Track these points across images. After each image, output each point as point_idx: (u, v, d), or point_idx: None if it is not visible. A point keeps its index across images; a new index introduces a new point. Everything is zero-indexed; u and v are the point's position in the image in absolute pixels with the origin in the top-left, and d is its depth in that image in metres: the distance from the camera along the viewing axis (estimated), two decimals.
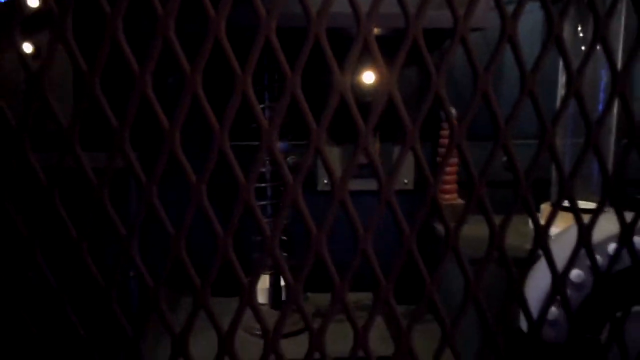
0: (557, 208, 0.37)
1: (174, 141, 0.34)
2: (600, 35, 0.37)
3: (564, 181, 0.37)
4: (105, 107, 0.33)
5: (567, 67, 0.36)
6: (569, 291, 0.82)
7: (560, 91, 0.97)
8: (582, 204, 0.93)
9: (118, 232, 0.35)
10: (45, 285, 0.37)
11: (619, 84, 0.38)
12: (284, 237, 1.11)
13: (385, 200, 0.35)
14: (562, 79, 0.98)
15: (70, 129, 0.34)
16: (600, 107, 0.98)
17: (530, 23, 0.90)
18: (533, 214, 0.38)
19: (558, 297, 0.72)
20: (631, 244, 0.39)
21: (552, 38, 0.35)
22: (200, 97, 0.33)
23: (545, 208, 1.01)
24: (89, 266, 0.36)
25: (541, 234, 0.37)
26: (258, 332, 1.01)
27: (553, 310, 0.93)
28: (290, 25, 0.40)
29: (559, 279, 0.38)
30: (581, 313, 0.78)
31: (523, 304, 0.37)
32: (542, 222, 0.87)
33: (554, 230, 0.95)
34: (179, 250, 0.35)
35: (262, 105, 0.91)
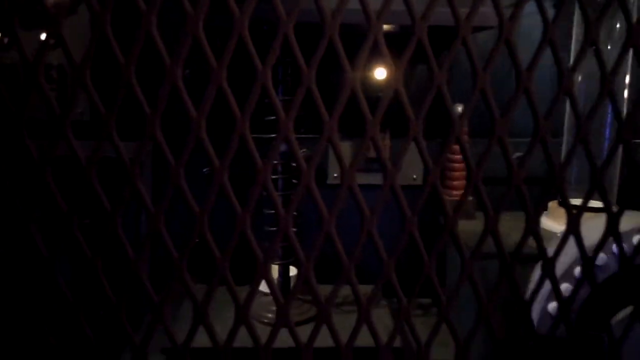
0: (544, 196, 0.40)
1: (201, 128, 0.38)
2: (591, 39, 0.40)
3: (555, 173, 0.40)
4: (140, 96, 0.37)
5: (559, 66, 0.39)
6: (573, 288, 0.85)
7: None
8: (591, 203, 0.96)
9: (148, 210, 0.39)
10: (80, 256, 0.41)
11: (608, 84, 0.42)
12: (294, 229, 1.16)
13: (390, 185, 0.38)
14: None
15: (108, 116, 0.38)
16: (610, 107, 1.01)
17: (537, 23, 0.93)
18: (527, 202, 0.42)
19: (565, 294, 0.75)
20: (617, 235, 0.42)
21: (546, 40, 0.39)
22: (225, 90, 0.37)
23: (553, 206, 1.05)
24: (121, 238, 0.40)
25: (531, 220, 0.41)
26: (267, 321, 1.06)
27: (556, 304, 0.95)
28: (304, 21, 0.43)
29: (548, 262, 0.41)
30: (585, 309, 0.81)
31: (513, 282, 0.41)
32: (550, 219, 0.90)
33: (559, 228, 0.98)
34: (202, 226, 0.39)
35: (288, 98, 0.95)
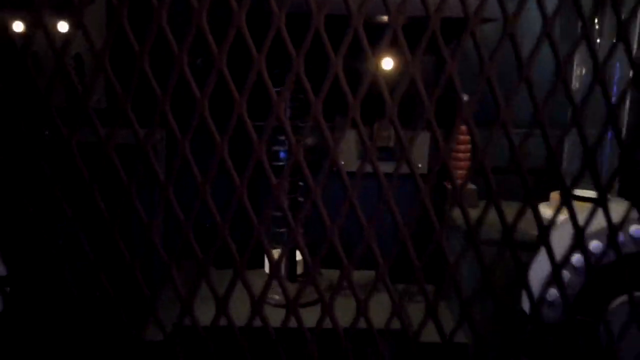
0: (529, 201, 0.45)
1: (204, 107, 0.44)
2: (585, 34, 0.46)
3: (515, 154, 0.46)
4: (152, 79, 0.43)
5: (557, 56, 0.45)
6: (570, 275, 0.89)
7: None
8: (589, 193, 1.00)
9: (158, 180, 0.46)
10: (102, 225, 0.47)
11: (600, 73, 0.47)
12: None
13: (370, 159, 0.44)
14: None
15: (124, 96, 0.44)
16: (614, 99, 1.07)
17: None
18: (490, 179, 0.47)
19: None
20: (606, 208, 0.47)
21: (543, 34, 0.44)
22: (225, 73, 0.43)
23: (554, 196, 1.10)
24: (137, 207, 0.46)
25: (493, 194, 0.46)
26: (273, 302, 1.12)
27: (552, 292, 1.00)
28: (295, 11, 0.48)
29: (507, 232, 0.47)
30: (581, 297, 0.85)
31: (478, 250, 0.46)
32: (551, 209, 0.95)
33: (559, 217, 1.04)
34: (205, 194, 0.45)
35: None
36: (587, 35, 0.46)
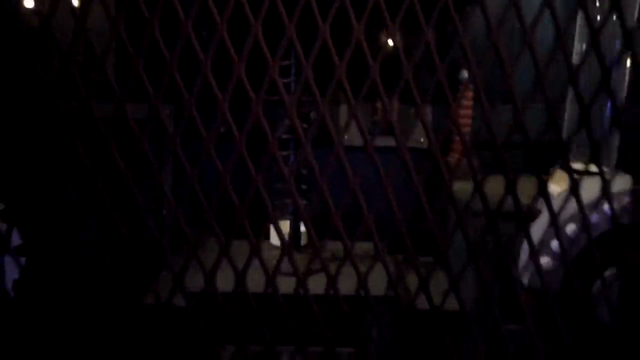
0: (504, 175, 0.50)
1: (208, 67, 0.49)
2: (547, 2, 0.50)
3: (485, 118, 0.51)
4: (161, 44, 0.49)
5: (522, 25, 0.50)
6: (555, 251, 0.92)
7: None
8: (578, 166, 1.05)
9: (167, 131, 0.51)
10: (114, 172, 0.53)
11: (561, 40, 0.52)
12: (304, 186, 1.28)
13: (353, 113, 0.49)
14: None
15: (137, 56, 0.50)
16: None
17: None
18: (469, 150, 0.52)
19: (552, 249, 0.85)
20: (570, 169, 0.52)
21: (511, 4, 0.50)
22: (225, 40, 0.48)
23: (554, 171, 1.15)
24: (147, 152, 0.52)
25: (471, 155, 0.51)
26: (281, 272, 1.18)
27: (546, 260, 1.04)
28: None
29: (476, 186, 0.52)
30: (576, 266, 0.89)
31: (452, 199, 0.51)
32: (553, 183, 0.99)
33: (556, 189, 1.08)
34: (208, 145, 0.51)
35: (288, 62, 1.13)
36: (551, 4, 0.51)
